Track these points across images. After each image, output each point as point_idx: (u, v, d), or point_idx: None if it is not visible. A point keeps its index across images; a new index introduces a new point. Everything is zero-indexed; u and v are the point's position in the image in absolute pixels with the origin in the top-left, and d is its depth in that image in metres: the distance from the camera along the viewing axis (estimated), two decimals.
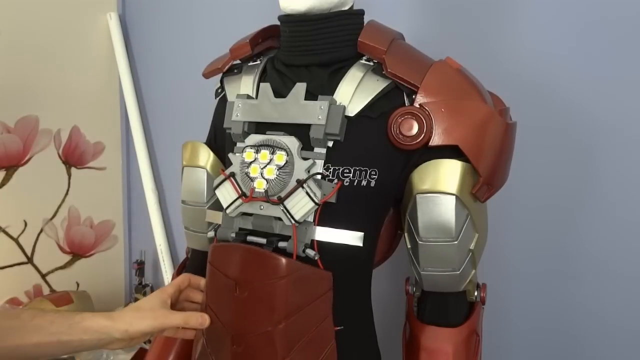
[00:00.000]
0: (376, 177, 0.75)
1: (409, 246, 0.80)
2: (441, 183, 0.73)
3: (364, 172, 0.74)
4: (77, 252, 1.89)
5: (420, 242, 0.76)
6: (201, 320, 0.76)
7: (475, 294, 0.83)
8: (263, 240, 0.75)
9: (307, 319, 0.72)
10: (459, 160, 0.73)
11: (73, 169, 1.85)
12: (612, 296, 1.04)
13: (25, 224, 1.74)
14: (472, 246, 0.76)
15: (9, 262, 1.71)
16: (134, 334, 0.72)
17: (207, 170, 0.91)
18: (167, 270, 1.78)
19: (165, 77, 1.81)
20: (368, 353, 0.83)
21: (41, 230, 1.78)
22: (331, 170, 0.74)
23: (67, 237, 1.86)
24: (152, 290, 1.87)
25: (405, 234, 0.80)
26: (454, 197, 0.72)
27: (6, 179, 1.67)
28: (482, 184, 0.74)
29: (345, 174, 0.74)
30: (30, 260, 1.76)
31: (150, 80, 1.87)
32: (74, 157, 1.84)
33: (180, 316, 0.75)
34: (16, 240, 1.72)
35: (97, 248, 1.95)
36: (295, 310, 0.67)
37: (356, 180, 0.74)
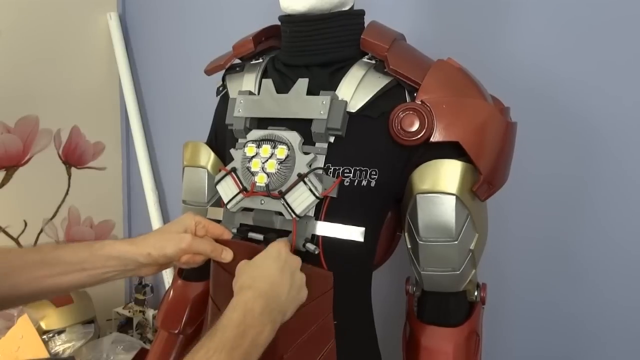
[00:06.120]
0: (376, 177, 0.75)
1: (409, 246, 0.80)
2: (441, 183, 0.73)
3: (364, 172, 0.74)
4: None
5: (421, 242, 0.76)
6: (225, 254, 0.74)
7: (476, 293, 0.83)
8: (261, 237, 0.76)
9: (308, 317, 0.72)
10: (460, 160, 0.73)
11: (73, 169, 1.85)
12: (612, 296, 1.04)
13: (25, 224, 1.74)
14: (472, 246, 0.76)
15: None
16: (158, 257, 0.70)
17: (207, 170, 0.91)
18: (166, 270, 1.78)
19: (165, 77, 1.81)
20: (368, 352, 0.83)
21: (41, 230, 1.78)
22: (331, 170, 0.74)
23: (67, 237, 1.86)
24: (152, 291, 1.87)
25: (406, 234, 0.80)
26: (454, 197, 0.72)
27: (6, 179, 1.67)
28: (482, 182, 0.74)
29: (345, 174, 0.74)
30: None
31: (150, 80, 1.88)
32: (74, 157, 1.84)
33: (209, 244, 0.73)
34: (16, 240, 1.72)
35: None
36: None
37: (356, 180, 0.74)
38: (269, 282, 0.65)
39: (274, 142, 0.76)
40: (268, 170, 0.75)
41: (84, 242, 0.71)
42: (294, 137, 0.75)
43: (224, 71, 0.91)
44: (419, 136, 0.72)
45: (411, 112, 0.73)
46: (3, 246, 0.69)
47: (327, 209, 0.74)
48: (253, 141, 0.78)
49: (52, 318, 1.65)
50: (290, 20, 0.80)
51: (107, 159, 1.94)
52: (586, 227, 1.06)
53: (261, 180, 0.75)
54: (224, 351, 0.55)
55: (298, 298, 0.68)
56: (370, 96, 0.74)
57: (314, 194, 0.72)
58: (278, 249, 0.69)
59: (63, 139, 1.80)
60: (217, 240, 0.75)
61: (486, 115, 0.74)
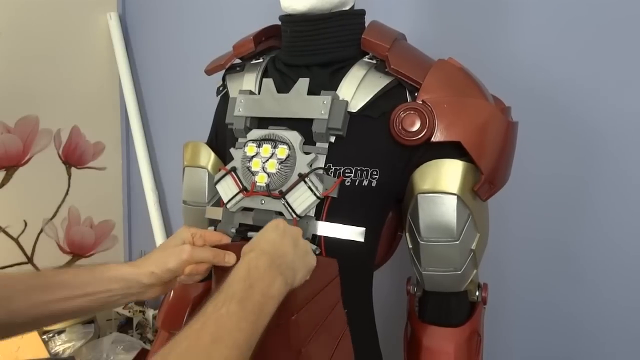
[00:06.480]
0: (377, 177, 0.75)
1: (410, 246, 0.80)
2: (442, 183, 0.73)
3: (365, 172, 0.74)
4: (77, 252, 1.89)
5: (422, 242, 0.76)
6: (228, 257, 0.73)
7: (477, 293, 0.83)
8: None
9: (318, 308, 0.72)
10: (461, 160, 0.73)
11: (73, 169, 1.85)
12: (612, 297, 1.04)
13: (25, 224, 1.74)
14: (473, 246, 0.76)
15: (9, 262, 1.70)
16: (162, 274, 0.70)
17: (208, 171, 0.91)
18: None
19: (165, 77, 1.81)
20: (369, 351, 0.83)
21: (41, 230, 1.78)
22: (332, 170, 0.74)
23: (67, 237, 1.86)
24: None
25: (407, 234, 0.80)
26: (456, 197, 0.72)
27: (6, 179, 1.66)
28: (483, 182, 0.74)
29: (346, 174, 0.74)
30: (30, 260, 1.76)
31: (150, 80, 1.87)
32: (74, 157, 1.84)
33: (210, 251, 0.72)
34: (16, 240, 1.72)
35: (97, 248, 1.95)
36: (304, 301, 0.67)
37: (357, 180, 0.74)
38: (271, 244, 0.64)
39: (275, 141, 0.75)
40: (268, 170, 0.75)
41: (86, 266, 0.71)
42: (294, 137, 0.75)
43: (224, 71, 0.91)
44: (420, 136, 0.72)
45: (412, 112, 0.72)
46: (3, 271, 0.68)
47: (328, 209, 0.74)
48: (253, 141, 0.78)
49: None
50: (291, 20, 0.79)
51: (107, 159, 1.94)
52: (586, 227, 1.06)
53: (262, 180, 0.75)
54: (234, 301, 0.54)
55: (306, 260, 0.67)
56: (371, 96, 0.74)
57: (315, 194, 0.72)
58: (276, 222, 0.68)
59: (63, 139, 1.80)
60: (217, 246, 0.75)
61: (487, 115, 0.74)
